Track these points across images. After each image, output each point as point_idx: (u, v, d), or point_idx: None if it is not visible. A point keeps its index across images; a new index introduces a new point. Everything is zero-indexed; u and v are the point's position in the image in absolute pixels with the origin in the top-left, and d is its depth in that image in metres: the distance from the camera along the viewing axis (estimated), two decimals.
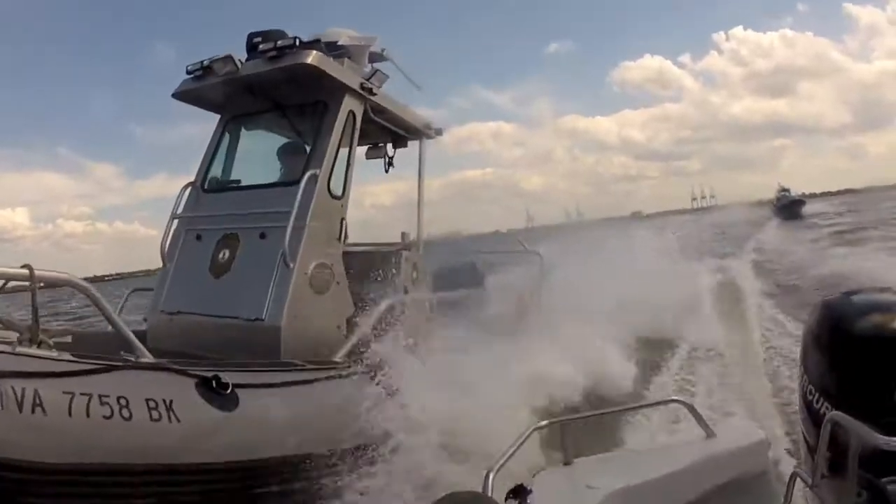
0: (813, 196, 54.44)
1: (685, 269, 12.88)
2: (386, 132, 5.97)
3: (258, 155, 5.60)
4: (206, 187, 5.29)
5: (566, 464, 2.39)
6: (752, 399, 5.84)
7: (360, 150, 5.99)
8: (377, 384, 4.17)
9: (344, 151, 4.96)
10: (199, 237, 5.00)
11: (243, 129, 5.60)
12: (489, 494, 1.72)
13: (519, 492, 1.87)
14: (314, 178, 4.58)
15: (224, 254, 4.73)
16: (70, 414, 2.89)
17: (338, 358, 4.26)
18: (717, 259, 16.97)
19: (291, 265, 4.31)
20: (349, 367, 4.21)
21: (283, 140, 5.51)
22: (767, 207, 49.36)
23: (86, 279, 3.57)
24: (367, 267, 5.20)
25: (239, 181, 5.35)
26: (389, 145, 6.29)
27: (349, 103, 4.96)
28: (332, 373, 4.12)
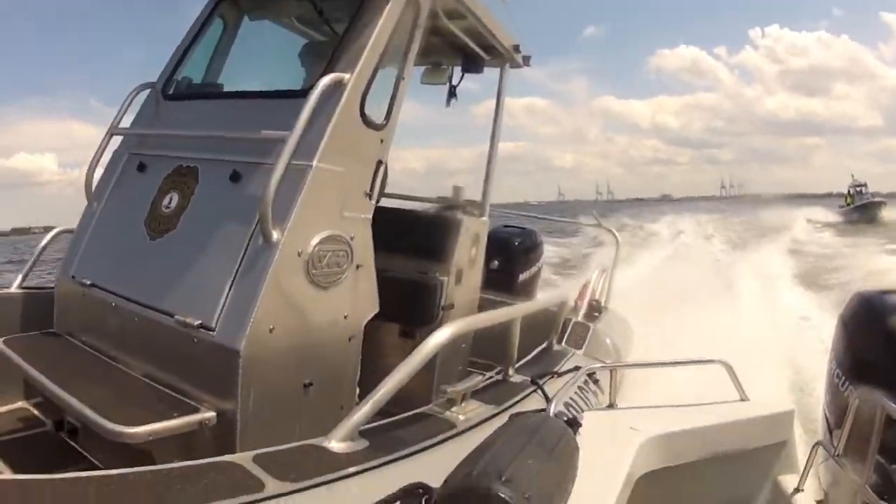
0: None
1: None
2: (456, 49, 4.07)
3: (264, 57, 3.78)
4: (169, 92, 3.42)
5: (610, 406, 2.66)
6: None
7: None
8: None
9: (391, 66, 3.05)
10: (141, 167, 3.19)
11: (246, 18, 3.67)
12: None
13: (572, 423, 1.94)
14: (338, 85, 2.67)
15: (171, 199, 2.92)
16: None
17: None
18: None
19: (275, 236, 2.45)
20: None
21: (301, 41, 3.74)
22: (833, 206, 42.68)
23: None
24: (404, 235, 3.45)
25: (221, 86, 3.46)
26: (457, 69, 4.31)
27: None
28: None
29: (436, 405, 2.60)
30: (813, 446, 2.49)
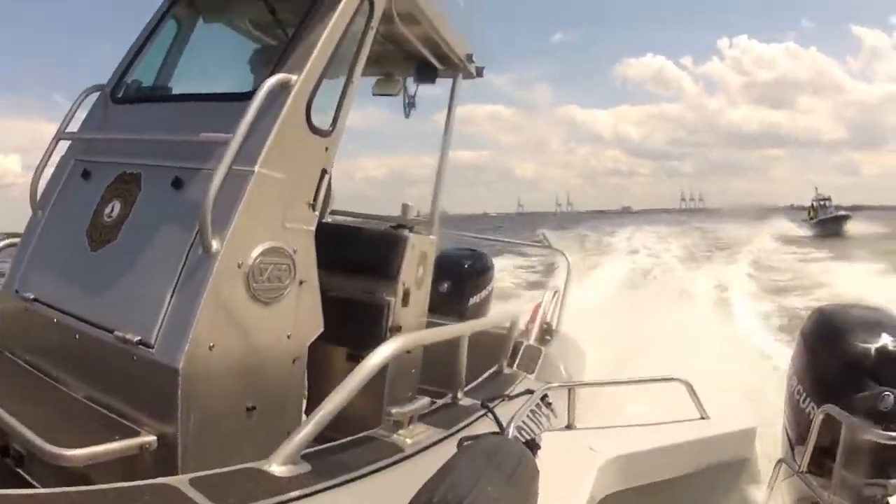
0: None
1: None
2: (408, 58, 3.98)
3: (216, 61, 3.62)
4: (118, 95, 3.25)
5: (568, 426, 2.65)
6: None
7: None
8: None
9: (340, 72, 2.97)
10: (86, 174, 3.04)
11: (201, 21, 3.52)
12: None
13: (531, 445, 1.95)
14: (284, 87, 2.56)
15: (113, 208, 2.78)
16: None
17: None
18: None
19: (214, 247, 2.33)
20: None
21: (254, 46, 3.64)
22: (797, 220, 42.90)
23: None
24: (349, 252, 3.40)
25: (170, 89, 3.32)
26: (410, 79, 4.21)
27: None
28: None
29: (382, 428, 2.51)
30: (776, 463, 2.48)
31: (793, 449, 2.79)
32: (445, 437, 2.59)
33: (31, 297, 2.89)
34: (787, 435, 2.94)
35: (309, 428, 2.06)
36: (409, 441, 2.45)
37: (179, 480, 1.84)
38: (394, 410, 2.50)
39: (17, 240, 3.26)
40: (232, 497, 1.76)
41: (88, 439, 2.16)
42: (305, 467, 2.03)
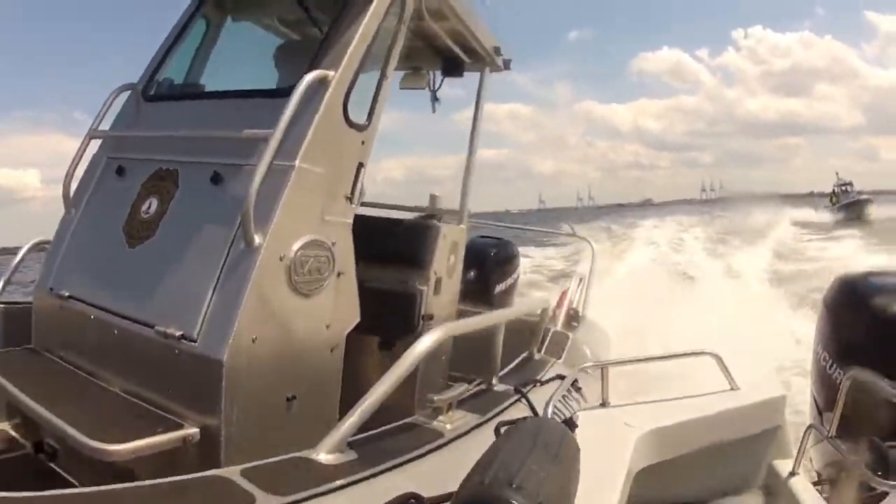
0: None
1: None
2: (436, 52, 4.02)
3: (246, 59, 3.66)
4: (150, 93, 3.30)
5: (603, 405, 2.68)
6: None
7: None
8: None
9: (374, 67, 3.00)
10: (120, 171, 3.07)
11: (229, 20, 3.59)
12: None
13: (569, 423, 1.95)
14: (322, 83, 2.60)
15: (150, 204, 2.81)
16: None
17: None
18: None
19: (257, 241, 2.37)
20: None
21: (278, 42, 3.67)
22: (818, 206, 41.97)
23: None
24: (382, 243, 3.40)
25: (202, 87, 3.37)
26: (437, 73, 4.25)
27: None
28: None
29: (422, 415, 2.56)
30: (805, 429, 2.50)
31: (821, 415, 2.83)
32: (483, 423, 2.63)
33: (67, 294, 2.92)
34: (816, 402, 2.97)
35: (355, 417, 2.11)
36: (448, 427, 2.49)
37: (231, 472, 1.87)
38: (435, 398, 2.55)
39: (47, 240, 3.32)
40: (283, 486, 1.80)
41: (131, 434, 2.18)
42: (352, 455, 2.08)
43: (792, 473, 2.47)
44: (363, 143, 2.81)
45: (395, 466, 2.11)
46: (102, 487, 1.69)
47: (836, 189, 44.11)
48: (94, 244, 3.00)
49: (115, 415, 2.39)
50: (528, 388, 3.10)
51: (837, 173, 46.07)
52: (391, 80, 3.00)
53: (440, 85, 4.26)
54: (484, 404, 2.87)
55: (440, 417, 2.55)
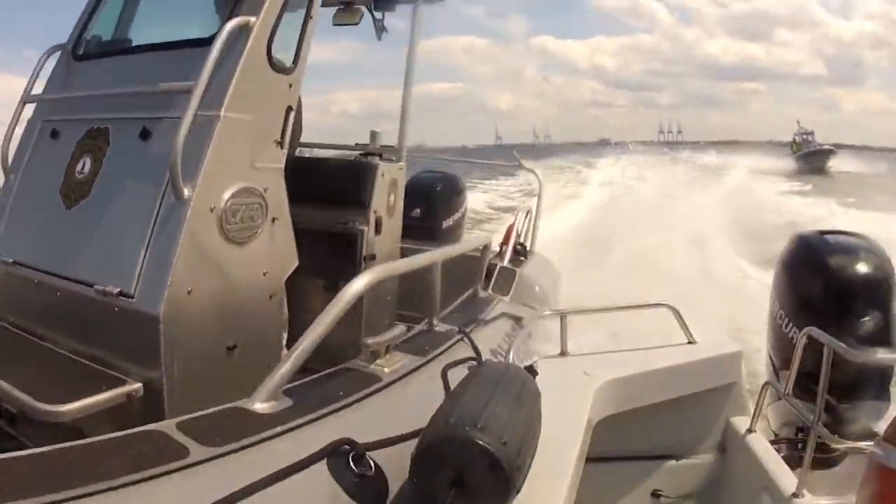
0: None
1: None
2: None
3: (175, 9, 3.56)
4: (79, 52, 3.27)
5: (562, 354, 2.65)
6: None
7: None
8: None
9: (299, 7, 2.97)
10: (55, 134, 3.07)
11: None
12: None
13: (530, 370, 2.01)
14: (244, 29, 2.59)
15: (84, 164, 2.82)
16: None
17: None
18: None
19: (186, 193, 2.38)
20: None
21: None
22: (777, 155, 41.10)
23: None
24: (320, 184, 3.41)
25: (130, 42, 3.29)
26: (371, 5, 4.16)
27: None
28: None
29: (360, 359, 2.55)
30: (762, 386, 2.52)
31: (777, 374, 2.85)
32: (423, 364, 2.65)
33: (11, 260, 2.94)
34: (772, 360, 3.00)
35: (288, 365, 2.11)
36: (386, 370, 2.49)
37: (167, 425, 1.88)
38: (370, 341, 2.54)
39: None
40: (217, 437, 1.81)
41: (78, 393, 2.23)
42: (287, 402, 2.08)
43: (749, 431, 2.49)
44: (290, 86, 2.81)
45: (330, 413, 2.11)
46: (39, 449, 1.69)
47: (796, 138, 43.68)
48: (34, 208, 3.01)
49: (61, 375, 2.44)
50: (471, 328, 3.18)
51: (798, 122, 45.73)
52: (317, 19, 2.96)
53: (383, 16, 4.19)
54: (425, 345, 2.87)
55: (378, 361, 2.53)
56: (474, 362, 2.83)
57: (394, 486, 1.98)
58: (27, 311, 2.87)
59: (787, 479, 2.15)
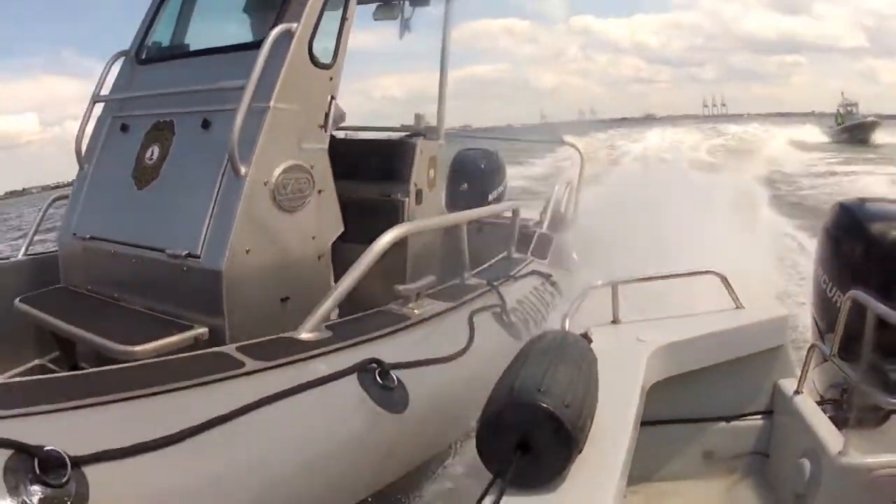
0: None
1: None
2: None
3: (222, 15, 4.08)
4: (142, 57, 3.75)
5: (614, 322, 2.70)
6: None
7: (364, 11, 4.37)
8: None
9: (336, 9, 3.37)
10: (124, 128, 3.54)
11: None
12: None
13: (585, 337, 2.07)
14: (287, 35, 3.02)
15: (152, 152, 3.28)
16: None
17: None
18: None
19: (243, 170, 2.83)
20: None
21: None
22: (821, 126, 39.89)
23: None
24: (366, 162, 3.86)
25: (187, 46, 3.77)
26: (406, 2, 4.53)
27: None
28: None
29: (394, 304, 3.02)
30: (809, 348, 2.52)
31: (822, 339, 2.86)
32: (448, 310, 3.08)
33: (88, 236, 3.40)
34: (817, 325, 3.01)
35: (329, 301, 2.63)
36: (416, 312, 2.95)
37: (229, 348, 2.38)
38: (401, 287, 3.02)
39: (66, 193, 3.86)
40: (269, 355, 2.29)
41: (152, 336, 2.67)
42: (327, 333, 2.58)
43: (796, 392, 2.50)
44: (331, 78, 3.26)
45: (363, 342, 2.59)
46: (123, 365, 2.24)
47: (840, 110, 41.54)
48: (108, 191, 3.48)
49: (136, 324, 2.89)
50: (500, 281, 3.57)
51: (843, 93, 43.09)
52: (352, 20, 3.37)
53: (412, 15, 4.57)
54: (454, 294, 3.30)
55: (410, 304, 2.99)
56: (498, 309, 3.29)
57: (413, 398, 2.46)
58: (103, 278, 3.32)
59: (833, 438, 2.14)
